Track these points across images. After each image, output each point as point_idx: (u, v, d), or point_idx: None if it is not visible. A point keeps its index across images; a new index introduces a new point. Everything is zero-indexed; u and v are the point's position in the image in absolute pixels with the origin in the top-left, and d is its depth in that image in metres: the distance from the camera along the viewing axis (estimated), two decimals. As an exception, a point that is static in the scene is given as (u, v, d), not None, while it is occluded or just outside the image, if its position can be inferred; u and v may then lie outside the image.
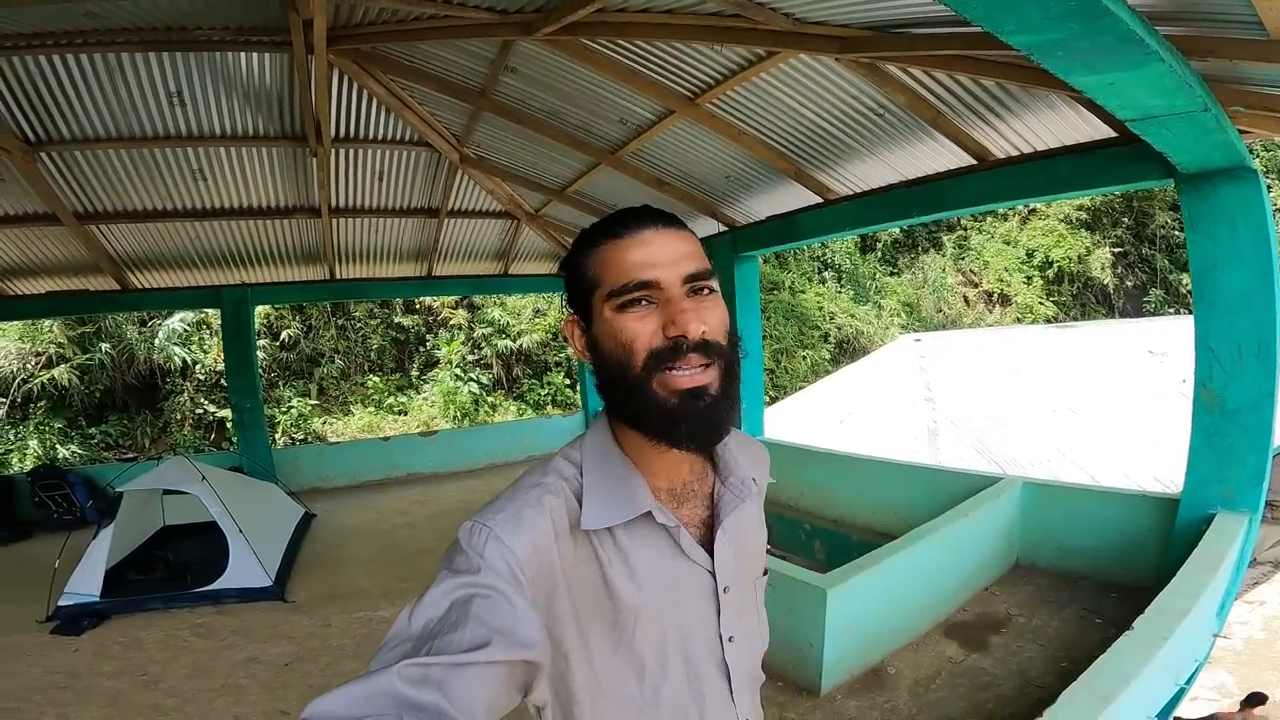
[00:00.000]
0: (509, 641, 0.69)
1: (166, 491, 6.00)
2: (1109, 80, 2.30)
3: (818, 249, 18.34)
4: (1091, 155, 3.89)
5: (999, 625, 3.87)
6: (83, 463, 10.80)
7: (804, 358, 16.61)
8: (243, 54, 4.90)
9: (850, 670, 3.45)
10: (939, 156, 4.61)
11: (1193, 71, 2.51)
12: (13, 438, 11.34)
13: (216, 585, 5.04)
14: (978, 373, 11.21)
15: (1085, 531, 4.38)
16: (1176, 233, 19.20)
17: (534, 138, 5.91)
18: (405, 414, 13.92)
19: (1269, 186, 3.64)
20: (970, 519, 4.26)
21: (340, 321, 14.14)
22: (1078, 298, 20.38)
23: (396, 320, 14.53)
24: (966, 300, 20.43)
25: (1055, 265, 19.86)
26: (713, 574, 0.90)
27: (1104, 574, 4.24)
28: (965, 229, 20.89)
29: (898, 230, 19.58)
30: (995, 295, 20.32)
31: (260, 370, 10.18)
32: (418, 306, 14.78)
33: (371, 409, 13.80)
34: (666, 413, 0.79)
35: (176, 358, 12.30)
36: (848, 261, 18.85)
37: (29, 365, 11.37)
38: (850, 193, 5.45)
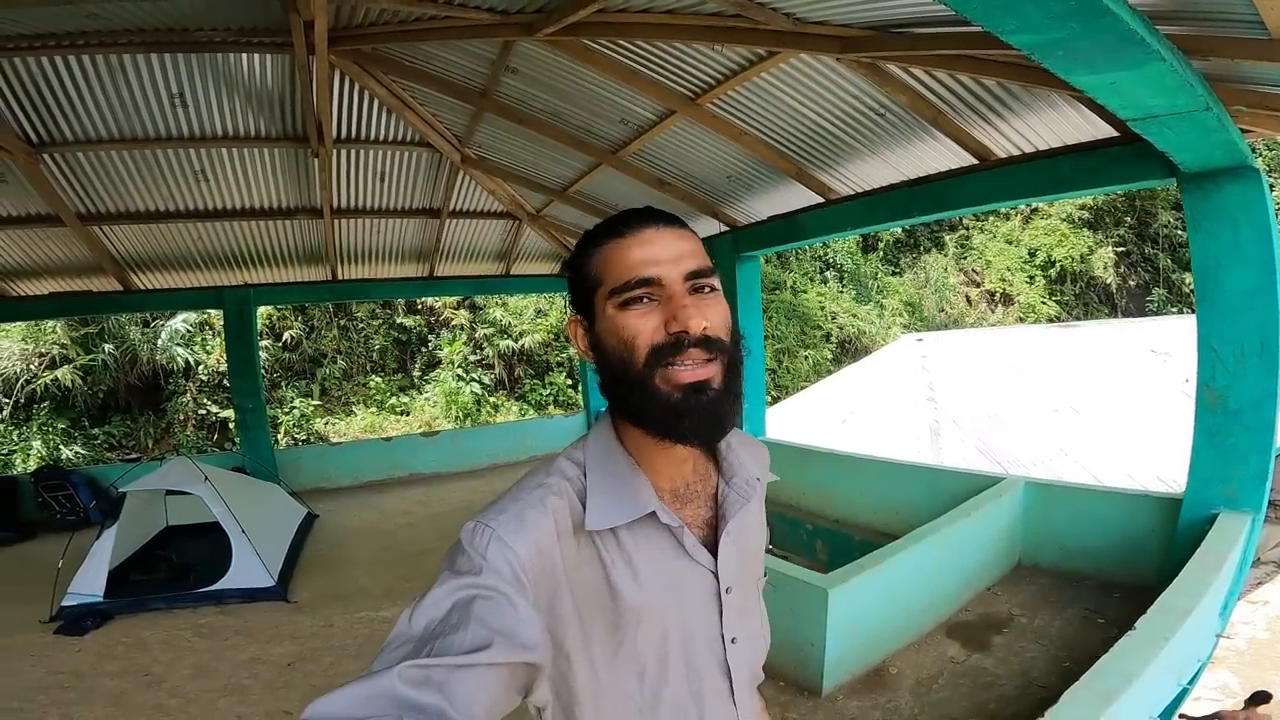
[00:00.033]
0: (510, 643, 0.69)
1: (169, 492, 6.02)
2: (1110, 80, 2.30)
3: (819, 249, 18.32)
4: (1093, 154, 3.88)
5: (1001, 625, 3.87)
6: (86, 463, 10.82)
7: (806, 357, 16.60)
8: (244, 55, 4.90)
9: (852, 670, 3.45)
10: (940, 156, 4.61)
11: (1194, 71, 2.50)
12: (16, 438, 11.37)
13: (219, 585, 5.05)
14: (980, 372, 11.20)
15: (1088, 531, 4.38)
16: (1179, 232, 19.17)
17: (535, 138, 5.91)
18: (407, 414, 13.93)
19: (1272, 185, 3.63)
20: (972, 519, 4.25)
21: (342, 322, 14.16)
22: (1080, 297, 20.34)
23: (398, 321, 14.54)
24: (969, 300, 20.40)
25: (1058, 265, 19.82)
26: (716, 575, 0.90)
27: (1106, 574, 4.23)
28: (967, 228, 20.85)
29: (899, 230, 19.56)
30: (997, 295, 20.29)
31: (263, 371, 10.20)
32: (420, 307, 14.79)
33: (374, 409, 13.81)
34: (670, 407, 0.79)
35: (179, 358, 12.32)
36: (849, 261, 18.83)
37: (32, 366, 11.39)
38: (851, 192, 5.44)
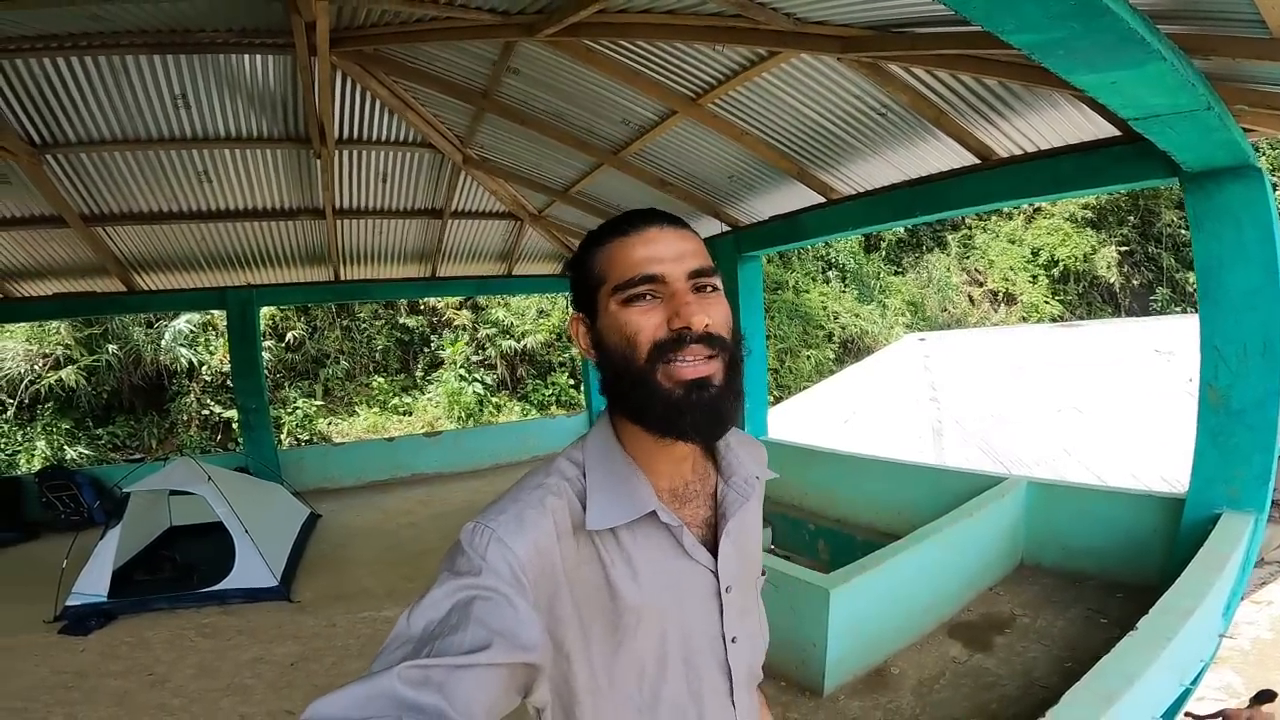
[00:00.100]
0: (510, 644, 0.69)
1: (173, 492, 6.03)
2: (1111, 79, 2.29)
3: (821, 248, 18.29)
4: (1095, 154, 3.88)
5: (1003, 625, 3.87)
6: (90, 464, 10.85)
7: (808, 357, 16.58)
8: (246, 56, 4.92)
9: (853, 670, 3.45)
10: (942, 156, 4.60)
11: (1195, 70, 2.50)
12: (20, 439, 11.40)
13: (223, 585, 5.06)
14: (983, 372, 11.19)
15: (1090, 531, 4.37)
16: (1183, 231, 19.07)
17: (537, 138, 5.92)
18: (410, 414, 13.94)
19: (1275, 185, 3.62)
20: (974, 519, 4.25)
21: (345, 322, 14.17)
22: (1083, 296, 20.27)
23: (401, 321, 14.55)
24: (971, 299, 20.35)
25: (1061, 264, 19.74)
26: (715, 574, 0.91)
27: (1109, 574, 4.22)
28: (970, 228, 20.80)
29: (902, 230, 19.51)
30: (1000, 294, 20.24)
31: (266, 371, 10.22)
32: (422, 307, 14.79)
33: (376, 409, 13.83)
34: (671, 404, 0.80)
35: (183, 359, 12.35)
36: (852, 261, 18.79)
37: (36, 366, 11.42)
38: (853, 192, 5.44)
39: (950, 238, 20.69)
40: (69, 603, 4.78)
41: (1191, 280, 3.66)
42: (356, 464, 9.26)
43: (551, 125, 5.66)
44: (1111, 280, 19.97)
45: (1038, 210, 20.40)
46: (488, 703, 0.66)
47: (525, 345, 14.58)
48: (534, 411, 14.52)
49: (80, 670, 4.12)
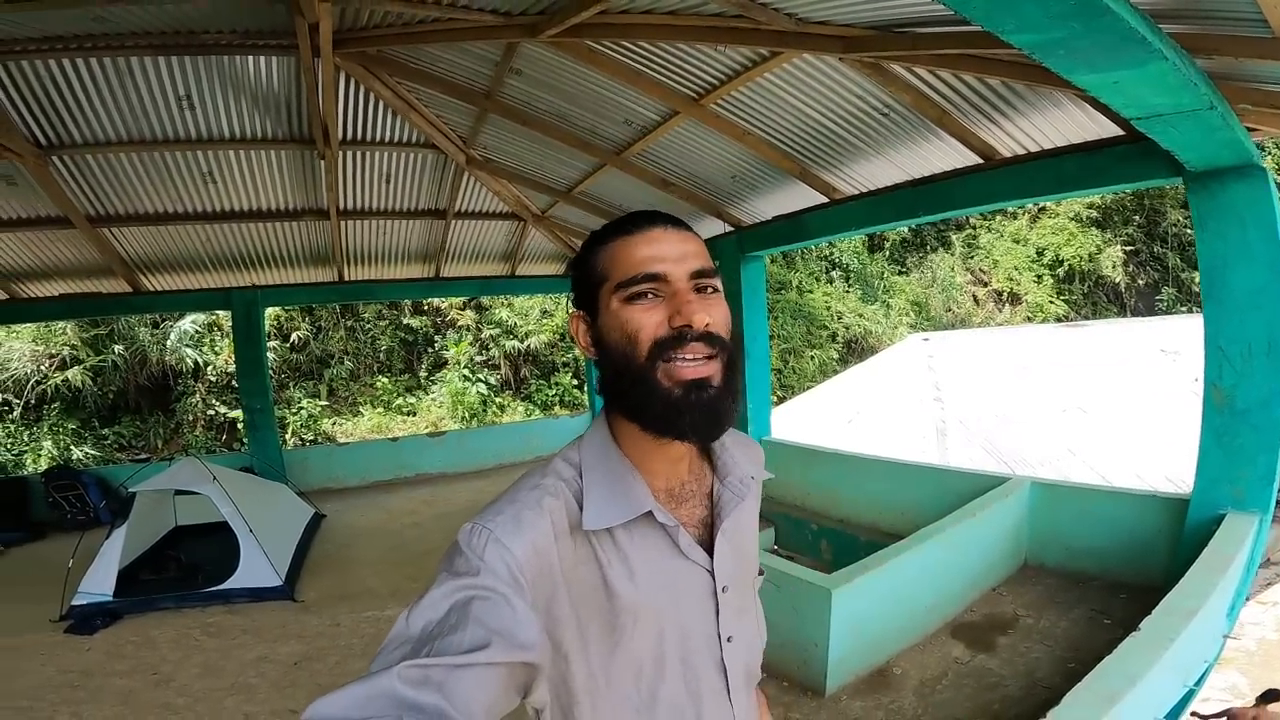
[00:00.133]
0: (508, 643, 0.70)
1: (179, 492, 6.05)
2: (1112, 79, 2.29)
3: (825, 248, 18.26)
4: (1099, 153, 3.86)
5: (1006, 626, 3.86)
6: (96, 464, 10.91)
7: (812, 357, 16.56)
8: (250, 58, 4.94)
9: (855, 670, 3.45)
10: (945, 155, 4.59)
11: (1198, 69, 2.49)
12: (27, 438, 11.46)
13: (227, 585, 5.09)
14: (987, 372, 11.15)
15: (1094, 532, 4.36)
16: (1189, 230, 18.96)
17: (540, 139, 5.93)
18: (414, 415, 13.97)
19: (1279, 184, 3.61)
20: (978, 519, 4.24)
21: (349, 323, 14.21)
22: (1089, 296, 20.19)
23: (405, 321, 14.58)
24: (976, 299, 20.30)
25: (1065, 264, 19.66)
26: (711, 573, 0.91)
27: (1113, 574, 4.21)
28: (974, 228, 20.73)
29: (906, 229, 19.46)
30: (1005, 294, 20.17)
31: (270, 371, 10.27)
32: (426, 308, 14.83)
33: (380, 410, 13.86)
34: (670, 403, 0.81)
35: (188, 359, 12.40)
36: (855, 261, 18.76)
37: (43, 367, 11.48)
38: (856, 192, 5.43)
39: (954, 237, 20.64)
40: (75, 602, 4.81)
41: (1197, 280, 3.64)
42: (361, 464, 9.29)
43: (554, 126, 5.66)
44: (1117, 280, 19.88)
45: (1042, 210, 20.33)
46: (487, 702, 0.67)
47: (529, 345, 14.60)
48: (537, 412, 14.54)
49: (86, 669, 4.14)
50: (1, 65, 4.52)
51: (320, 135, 5.48)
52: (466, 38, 4.39)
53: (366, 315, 14.33)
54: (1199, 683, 2.97)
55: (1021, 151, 4.28)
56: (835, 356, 16.88)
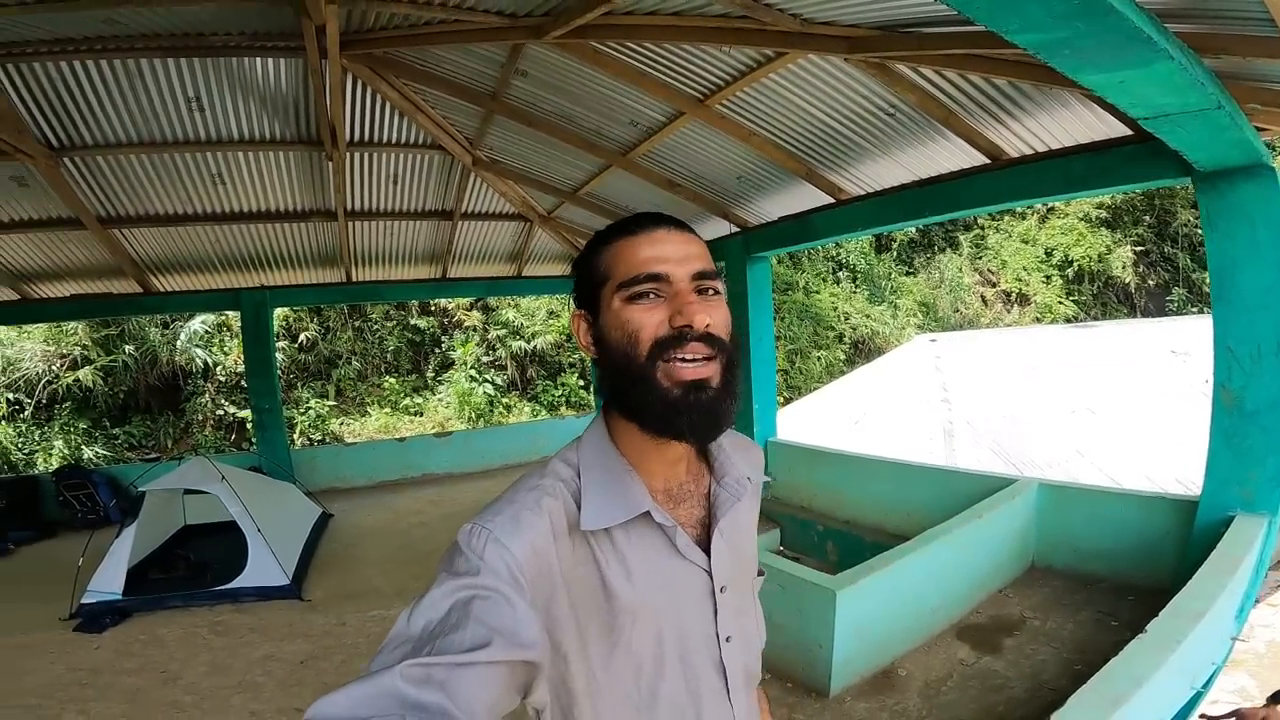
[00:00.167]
0: (509, 642, 0.70)
1: (188, 491, 6.10)
2: (1118, 78, 2.28)
3: (832, 249, 18.22)
4: (1107, 153, 3.84)
5: (1012, 627, 3.84)
6: (106, 463, 10.99)
7: (818, 358, 16.52)
8: (259, 59, 4.97)
9: (860, 672, 3.44)
10: (952, 156, 4.58)
11: (1205, 69, 2.48)
12: (38, 438, 11.56)
13: (235, 584, 5.12)
14: (995, 373, 11.09)
15: (1102, 533, 4.33)
16: (1199, 231, 18.69)
17: (546, 140, 5.94)
18: (421, 415, 14.01)
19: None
20: (984, 520, 4.23)
21: (357, 323, 14.27)
22: (1098, 297, 20.06)
23: (412, 322, 14.63)
24: (984, 300, 20.20)
25: (1075, 264, 19.54)
26: (709, 574, 0.91)
27: (1121, 576, 4.19)
28: (982, 228, 20.64)
29: (913, 230, 19.41)
30: (1013, 295, 20.07)
31: (279, 372, 10.31)
32: (433, 308, 14.87)
33: (388, 410, 13.91)
34: (669, 403, 0.81)
35: (198, 359, 12.48)
36: (862, 261, 18.71)
37: (54, 367, 11.58)
38: (862, 193, 5.42)
39: (962, 238, 20.55)
40: (84, 600, 4.85)
41: (1208, 280, 3.63)
42: (368, 464, 9.32)
43: (560, 127, 5.67)
44: (1127, 280, 19.76)
45: (1051, 210, 20.22)
46: (489, 701, 0.67)
47: (535, 346, 14.62)
48: (544, 412, 14.56)
49: (95, 667, 4.18)
50: (13, 67, 4.57)
51: (328, 137, 5.51)
52: (472, 39, 4.40)
53: (374, 316, 14.39)
54: (1207, 685, 2.95)
55: (1029, 151, 4.26)
56: (842, 357, 16.83)
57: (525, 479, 0.88)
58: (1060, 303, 19.47)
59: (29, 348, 11.45)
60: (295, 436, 12.71)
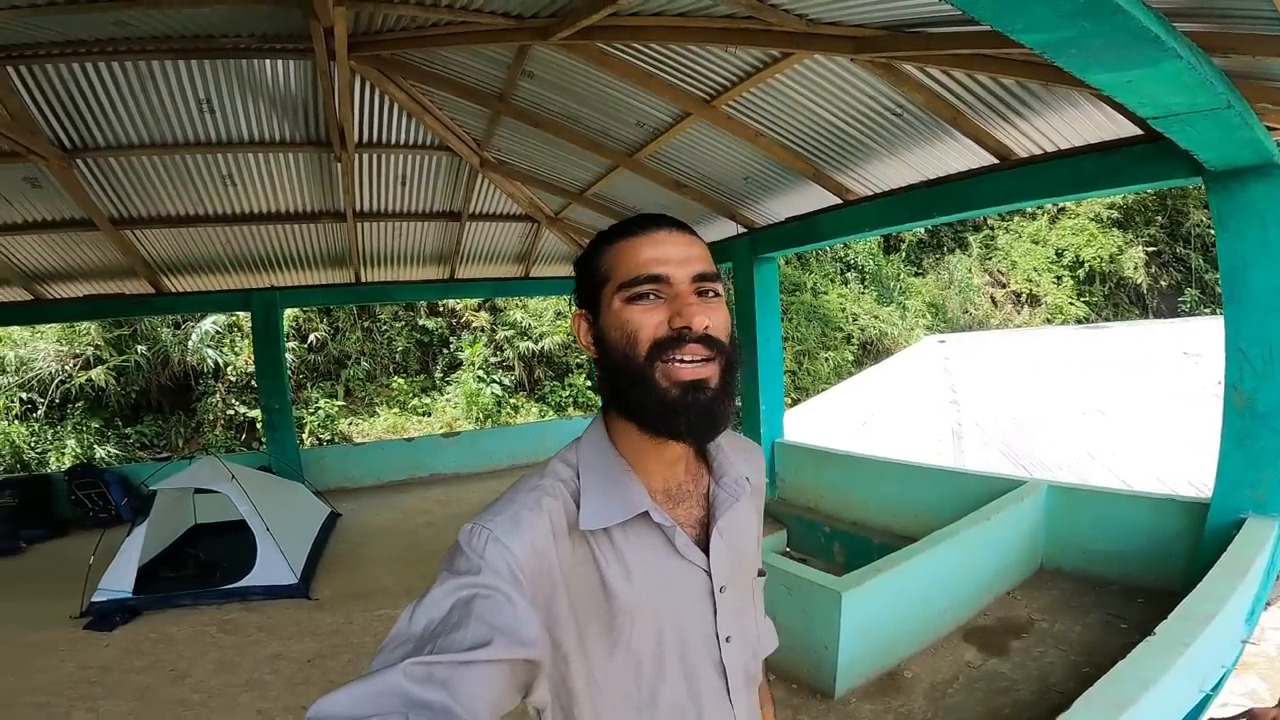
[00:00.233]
0: (511, 640, 0.70)
1: (198, 490, 6.14)
2: (1126, 78, 2.26)
3: (840, 250, 18.17)
4: (1117, 153, 3.81)
5: (1020, 630, 3.82)
6: (118, 462, 11.08)
7: (826, 359, 16.48)
8: (268, 61, 5.01)
9: (865, 673, 3.43)
10: (960, 156, 4.56)
11: (1214, 68, 2.46)
12: (51, 437, 11.67)
13: (244, 582, 5.15)
14: (1004, 374, 11.03)
15: (1112, 536, 4.30)
16: (1212, 231, 18.58)
17: (553, 141, 5.95)
18: (429, 415, 14.06)
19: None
20: (992, 522, 4.20)
21: (366, 324, 14.34)
22: (1110, 298, 19.91)
23: (420, 323, 14.69)
24: (994, 301, 20.09)
25: (1086, 265, 19.40)
26: (709, 573, 0.91)
27: (1131, 579, 4.16)
28: (992, 228, 20.53)
29: (922, 230, 19.33)
30: (1024, 296, 19.95)
31: (289, 372, 10.37)
32: (441, 309, 14.92)
33: (396, 410, 13.97)
34: (667, 403, 0.81)
35: (209, 359, 12.57)
36: (871, 262, 18.65)
37: (67, 366, 11.69)
38: (870, 193, 5.40)
39: (972, 238, 20.45)
40: (95, 599, 4.88)
41: (1220, 281, 3.61)
42: (376, 464, 9.37)
43: (567, 128, 5.68)
44: (1139, 281, 19.61)
45: (1062, 210, 20.09)
46: (491, 699, 0.67)
47: (543, 347, 14.65)
48: (551, 413, 14.59)
49: (104, 665, 4.21)
50: (26, 69, 4.62)
51: (337, 138, 5.54)
52: (479, 41, 4.42)
53: (383, 316, 14.46)
54: (1216, 688, 2.92)
55: (1038, 151, 4.23)
56: (850, 358, 16.78)
57: (525, 479, 0.88)
58: (1071, 303, 19.33)
59: (42, 348, 11.56)
60: (304, 436, 12.77)
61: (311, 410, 13.35)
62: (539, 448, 9.99)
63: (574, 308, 0.94)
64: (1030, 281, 19.73)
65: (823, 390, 13.90)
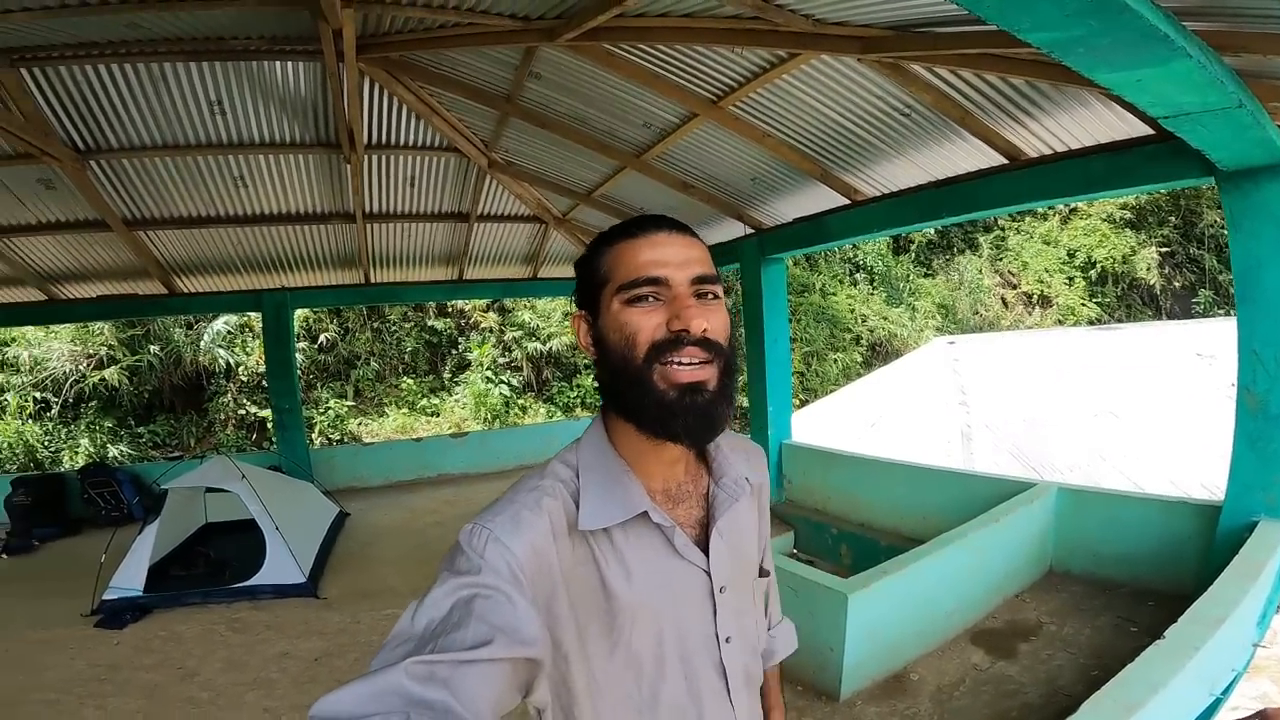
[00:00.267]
0: (511, 639, 0.71)
1: (209, 489, 6.16)
2: (1135, 77, 2.24)
3: (849, 251, 18.11)
4: (1128, 153, 3.77)
5: (1028, 633, 3.79)
6: (131, 461, 11.19)
7: (835, 361, 16.42)
8: (278, 63, 5.04)
9: (871, 676, 3.41)
10: (969, 156, 4.53)
11: (1225, 67, 2.43)
12: (65, 436, 11.80)
13: (253, 581, 5.18)
14: (1015, 376, 10.96)
15: (1123, 538, 4.26)
16: (1225, 232, 18.42)
17: (560, 142, 5.96)
18: (437, 415, 14.12)
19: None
20: (1001, 524, 4.17)
21: (375, 324, 14.42)
22: (1122, 299, 19.73)
23: (429, 323, 14.76)
24: (1004, 302, 19.95)
25: (1098, 266, 19.23)
26: (708, 574, 0.92)
27: (1142, 582, 4.12)
28: (1002, 229, 20.40)
29: (931, 231, 19.23)
30: (1035, 297, 19.80)
31: (299, 372, 10.43)
32: (450, 310, 14.99)
33: (405, 410, 14.03)
34: (665, 405, 0.82)
35: (221, 360, 12.68)
36: (880, 263, 18.57)
37: (81, 366, 11.82)
38: (878, 194, 5.38)
39: (982, 239, 20.32)
40: (106, 597, 4.92)
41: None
42: (385, 464, 9.41)
43: (574, 129, 5.69)
44: (1152, 282, 19.42)
45: (1073, 211, 19.93)
46: (492, 698, 0.68)
47: (551, 348, 14.69)
48: (559, 413, 14.62)
49: (114, 663, 4.24)
50: (40, 71, 4.66)
51: (346, 139, 5.57)
52: (486, 42, 4.43)
53: (392, 317, 14.53)
54: (1227, 692, 2.89)
55: (1048, 151, 4.20)
56: (859, 359, 16.72)
57: (525, 480, 0.89)
58: (1083, 305, 19.16)
59: (57, 347, 11.69)
60: (314, 436, 12.86)
61: (321, 410, 13.43)
62: (547, 448, 9.82)
63: (574, 309, 0.94)
64: (1042, 283, 19.58)
65: (831, 391, 13.86)
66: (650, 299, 0.83)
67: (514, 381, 14.62)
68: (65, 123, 5.25)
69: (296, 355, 9.95)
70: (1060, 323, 18.94)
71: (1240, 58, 2.58)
